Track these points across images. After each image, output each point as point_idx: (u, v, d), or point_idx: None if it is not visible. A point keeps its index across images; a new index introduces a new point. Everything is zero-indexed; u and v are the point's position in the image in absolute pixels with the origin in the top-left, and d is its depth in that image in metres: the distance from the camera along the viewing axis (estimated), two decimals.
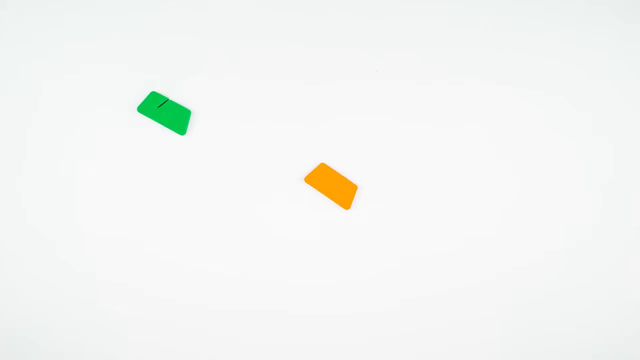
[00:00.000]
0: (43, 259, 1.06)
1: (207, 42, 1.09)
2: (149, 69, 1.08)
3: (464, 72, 1.09)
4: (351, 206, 1.04)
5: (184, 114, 1.03)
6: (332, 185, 1.04)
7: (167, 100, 1.03)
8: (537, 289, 1.07)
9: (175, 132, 1.04)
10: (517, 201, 1.08)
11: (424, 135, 1.08)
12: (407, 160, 1.08)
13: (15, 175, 1.06)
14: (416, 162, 1.08)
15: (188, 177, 1.08)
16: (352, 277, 1.08)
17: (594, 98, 1.09)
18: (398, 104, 1.08)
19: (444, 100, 1.08)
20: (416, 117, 1.08)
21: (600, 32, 1.09)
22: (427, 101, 1.08)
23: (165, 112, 1.04)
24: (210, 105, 1.08)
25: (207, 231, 1.07)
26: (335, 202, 1.03)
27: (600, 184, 1.08)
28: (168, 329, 1.06)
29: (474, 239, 1.07)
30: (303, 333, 1.07)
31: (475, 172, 1.08)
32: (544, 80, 1.09)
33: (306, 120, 1.09)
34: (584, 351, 1.07)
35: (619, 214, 1.08)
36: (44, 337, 1.06)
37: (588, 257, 1.07)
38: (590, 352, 1.07)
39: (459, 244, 1.07)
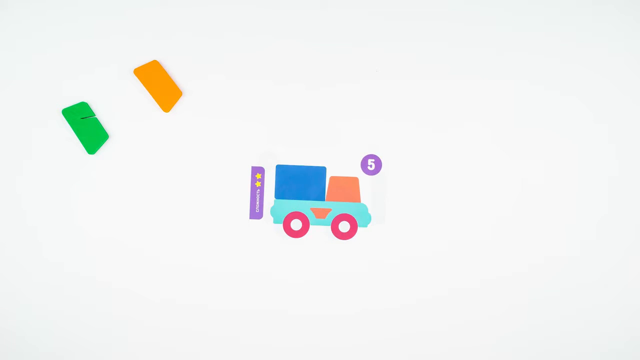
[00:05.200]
0: (42, 261, 1.06)
1: (207, 40, 1.08)
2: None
3: (464, 71, 1.08)
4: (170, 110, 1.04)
5: (101, 136, 1.05)
6: (159, 84, 1.06)
7: (93, 116, 1.04)
8: (537, 291, 1.07)
9: (85, 148, 1.05)
10: (517, 203, 1.07)
11: (424, 136, 1.08)
12: (406, 161, 1.07)
13: (15, 176, 1.06)
14: (416, 163, 1.07)
15: (186, 177, 1.07)
16: (352, 278, 1.08)
17: (595, 98, 1.08)
18: (398, 104, 1.08)
19: (443, 100, 1.08)
20: (416, 118, 1.08)
21: (601, 31, 1.08)
22: (426, 101, 1.08)
23: (85, 126, 1.04)
24: (209, 106, 1.08)
25: (207, 231, 1.07)
26: (157, 101, 1.05)
27: (603, 184, 1.07)
28: (168, 330, 1.07)
29: (474, 241, 1.07)
30: (303, 333, 1.08)
31: (477, 173, 1.07)
32: (545, 80, 1.08)
33: (305, 120, 1.08)
34: (585, 353, 1.07)
35: (621, 215, 1.07)
36: (43, 340, 1.06)
37: (590, 259, 1.07)
38: (591, 354, 1.07)
39: (459, 246, 1.07)
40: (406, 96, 1.07)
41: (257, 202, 1.06)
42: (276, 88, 1.08)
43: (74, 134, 1.06)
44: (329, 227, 1.06)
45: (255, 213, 1.06)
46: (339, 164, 1.07)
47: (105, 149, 1.07)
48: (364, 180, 1.07)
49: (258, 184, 1.06)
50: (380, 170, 1.07)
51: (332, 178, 1.05)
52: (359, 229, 1.06)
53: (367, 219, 1.05)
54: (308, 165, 1.05)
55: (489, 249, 1.07)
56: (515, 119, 1.08)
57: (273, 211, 1.05)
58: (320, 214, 1.06)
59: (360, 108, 1.07)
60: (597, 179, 1.07)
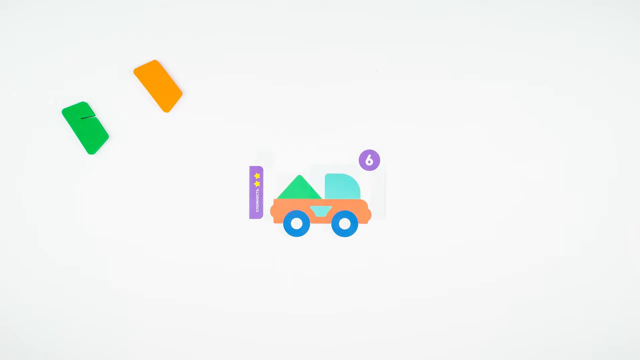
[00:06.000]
0: (42, 261, 1.06)
1: (207, 41, 1.08)
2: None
3: (464, 70, 1.08)
4: (171, 110, 1.05)
5: (101, 136, 1.05)
6: (159, 84, 1.06)
7: (93, 116, 1.05)
8: (537, 291, 1.07)
9: (85, 148, 1.06)
10: (517, 202, 1.07)
11: (424, 134, 1.08)
12: (406, 158, 1.08)
13: (15, 176, 1.06)
14: (415, 160, 1.08)
15: (186, 177, 1.07)
16: (354, 276, 1.07)
17: (595, 98, 1.08)
18: (398, 103, 1.08)
19: (443, 99, 1.08)
20: (416, 117, 1.08)
21: (601, 31, 1.09)
22: (426, 100, 1.08)
23: (85, 126, 1.05)
24: (209, 106, 1.08)
25: (207, 231, 1.07)
26: (157, 101, 1.06)
27: (604, 184, 1.07)
28: (168, 330, 1.07)
29: (474, 242, 1.07)
30: (305, 333, 1.07)
31: (476, 172, 1.08)
32: (545, 80, 1.08)
33: (304, 120, 1.08)
34: (585, 354, 1.07)
35: (621, 216, 1.07)
36: (43, 340, 1.06)
37: (590, 259, 1.07)
38: (591, 355, 1.07)
39: (459, 246, 1.07)
40: (406, 95, 1.08)
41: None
42: (276, 88, 1.08)
43: (74, 134, 1.06)
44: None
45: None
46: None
47: (105, 149, 1.07)
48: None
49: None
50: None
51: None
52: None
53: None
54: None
55: (488, 248, 1.07)
56: (514, 119, 1.08)
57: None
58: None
59: (360, 107, 1.08)
60: (597, 179, 1.07)
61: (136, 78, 1.07)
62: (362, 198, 1.06)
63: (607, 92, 1.08)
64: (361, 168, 1.07)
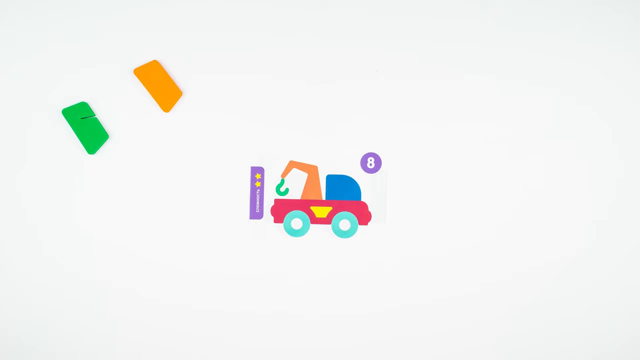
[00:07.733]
0: (42, 261, 1.06)
1: (207, 40, 1.08)
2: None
3: (464, 70, 1.08)
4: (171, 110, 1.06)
5: (101, 136, 1.05)
6: (159, 84, 1.06)
7: (93, 116, 1.05)
8: (538, 292, 1.07)
9: (85, 148, 1.06)
10: (518, 203, 1.07)
11: (424, 135, 1.08)
12: (406, 159, 1.08)
13: (15, 176, 1.06)
14: (416, 162, 1.08)
15: (186, 177, 1.07)
16: (353, 278, 1.08)
17: (596, 98, 1.08)
18: (398, 103, 1.08)
19: (443, 99, 1.08)
20: (416, 116, 1.08)
21: (601, 30, 1.09)
22: (426, 100, 1.08)
23: (85, 126, 1.05)
24: (209, 106, 1.08)
25: (207, 232, 1.07)
26: (157, 101, 1.06)
27: (605, 185, 1.07)
28: (168, 331, 1.07)
29: (474, 244, 1.07)
30: (305, 334, 1.08)
31: (477, 173, 1.08)
32: (545, 79, 1.08)
33: (305, 121, 1.08)
34: (585, 355, 1.07)
35: (623, 217, 1.07)
36: (43, 340, 1.06)
37: (591, 261, 1.07)
38: (591, 356, 1.07)
39: (459, 249, 1.07)
40: (406, 95, 1.08)
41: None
42: (276, 89, 1.08)
43: (74, 134, 1.06)
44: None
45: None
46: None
47: (105, 149, 1.07)
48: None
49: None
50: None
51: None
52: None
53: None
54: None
55: (489, 250, 1.07)
56: (515, 119, 1.08)
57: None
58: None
59: (361, 107, 1.08)
60: (599, 180, 1.07)
61: (136, 78, 1.07)
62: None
63: (608, 91, 1.08)
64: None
